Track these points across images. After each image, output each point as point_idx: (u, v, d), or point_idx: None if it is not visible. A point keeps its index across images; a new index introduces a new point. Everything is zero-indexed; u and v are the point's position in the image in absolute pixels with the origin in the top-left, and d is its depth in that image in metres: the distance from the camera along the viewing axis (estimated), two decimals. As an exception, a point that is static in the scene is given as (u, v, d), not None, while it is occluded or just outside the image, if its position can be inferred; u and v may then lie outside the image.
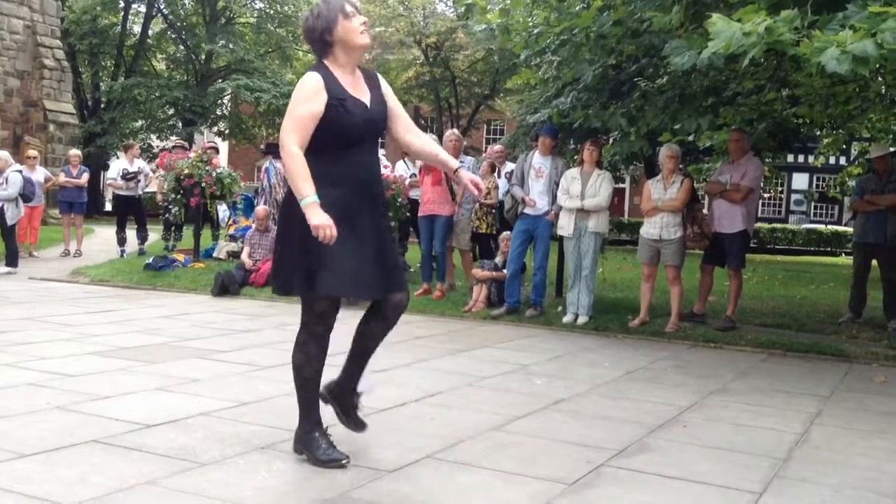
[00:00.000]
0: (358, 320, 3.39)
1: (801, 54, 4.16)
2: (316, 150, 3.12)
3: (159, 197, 12.62)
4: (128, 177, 12.31)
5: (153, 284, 9.55)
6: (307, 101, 3.12)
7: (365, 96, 3.24)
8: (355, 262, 3.12)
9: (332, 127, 3.13)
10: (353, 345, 3.41)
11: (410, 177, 9.89)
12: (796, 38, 4.12)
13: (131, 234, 12.91)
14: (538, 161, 7.87)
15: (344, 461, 3.21)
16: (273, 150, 11.93)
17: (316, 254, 3.07)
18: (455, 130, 10.23)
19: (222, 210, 12.53)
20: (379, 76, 3.41)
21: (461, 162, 9.00)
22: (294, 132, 3.10)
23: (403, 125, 3.39)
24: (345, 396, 3.45)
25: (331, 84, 3.15)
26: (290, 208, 3.18)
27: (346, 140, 3.17)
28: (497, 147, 10.75)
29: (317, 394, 3.33)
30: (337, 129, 3.13)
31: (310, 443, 3.26)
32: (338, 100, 3.13)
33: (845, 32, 4.01)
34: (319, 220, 3.00)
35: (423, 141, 3.46)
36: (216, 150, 12.02)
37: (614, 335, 7.26)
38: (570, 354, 6.25)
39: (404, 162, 10.51)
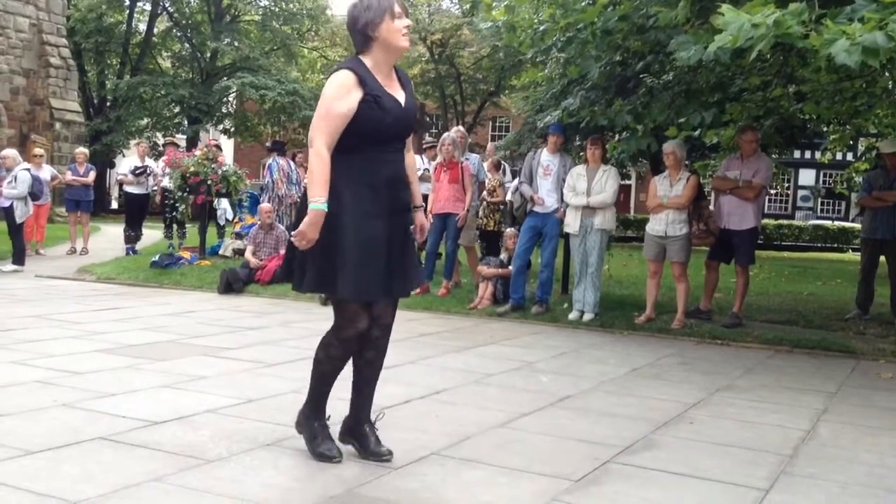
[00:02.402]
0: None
1: (811, 46, 4.14)
2: (347, 149, 3.05)
3: (158, 198, 12.65)
4: (137, 172, 12.33)
5: (159, 282, 9.57)
6: (340, 98, 3.01)
7: (400, 95, 3.16)
8: (383, 264, 3.08)
9: (368, 124, 3.03)
10: (354, 376, 3.33)
11: (423, 171, 9.79)
12: (805, 32, 4.10)
13: (145, 231, 13.00)
14: (546, 159, 7.86)
15: (336, 458, 3.19)
16: (278, 148, 11.94)
17: (344, 256, 3.02)
18: (460, 127, 10.22)
19: (220, 208, 12.54)
20: (405, 74, 3.31)
21: (466, 158, 9.01)
22: (324, 132, 3.00)
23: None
24: (360, 430, 3.34)
25: (367, 80, 3.04)
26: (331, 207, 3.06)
27: (380, 138, 3.09)
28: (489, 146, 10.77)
29: (329, 388, 3.29)
30: (373, 126, 3.04)
31: (308, 430, 3.28)
32: (373, 96, 3.03)
33: (855, 24, 3.98)
34: (309, 232, 2.96)
35: (407, 162, 3.36)
36: (219, 147, 12.03)
37: (620, 332, 7.25)
38: (576, 351, 6.24)
39: (420, 158, 10.44)
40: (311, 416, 3.30)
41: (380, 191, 3.10)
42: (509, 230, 8.58)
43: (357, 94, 3.03)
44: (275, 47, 33.55)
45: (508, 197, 9.30)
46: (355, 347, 3.22)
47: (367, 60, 3.11)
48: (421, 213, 3.43)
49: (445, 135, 8.91)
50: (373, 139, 3.08)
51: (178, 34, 33.28)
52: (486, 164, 10.00)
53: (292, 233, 3.04)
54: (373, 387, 3.36)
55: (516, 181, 9.14)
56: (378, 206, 3.09)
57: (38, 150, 13.13)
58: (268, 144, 13.38)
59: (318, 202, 2.97)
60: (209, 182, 10.45)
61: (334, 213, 3.03)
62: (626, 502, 2.97)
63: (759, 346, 6.75)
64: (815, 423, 4.27)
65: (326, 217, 3.01)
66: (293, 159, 12.38)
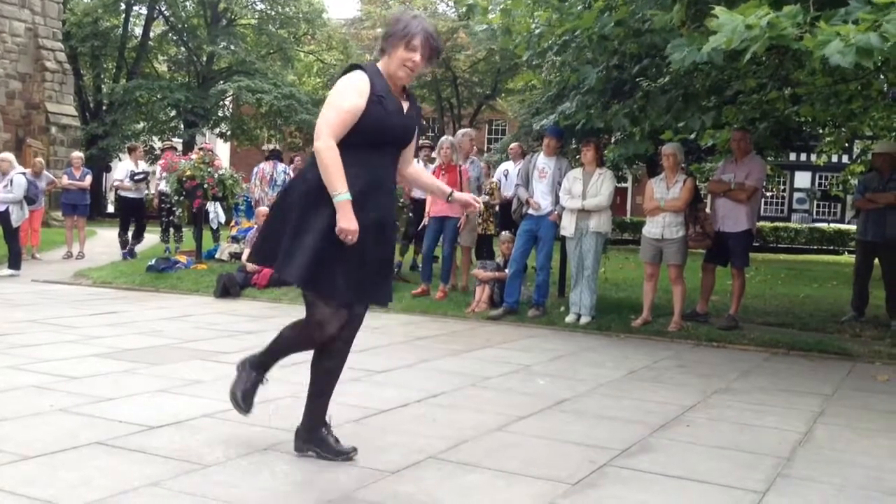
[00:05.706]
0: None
1: (805, 48, 4.15)
2: (344, 146, 3.07)
3: (155, 202, 12.63)
4: (136, 178, 12.31)
5: (156, 286, 9.56)
6: (352, 94, 3.09)
7: (404, 103, 3.27)
8: (356, 268, 3.11)
9: (369, 123, 3.09)
10: (311, 384, 3.34)
11: None
12: (799, 33, 4.11)
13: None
14: (542, 162, 7.88)
15: (352, 453, 3.28)
16: (274, 157, 11.90)
17: (329, 252, 3.05)
18: (469, 130, 10.25)
19: (212, 210, 12.51)
20: (414, 96, 3.41)
21: (471, 161, 9.04)
22: (333, 125, 3.06)
23: (407, 151, 3.38)
24: (318, 435, 3.33)
25: (375, 81, 3.14)
26: (319, 196, 3.07)
27: (378, 139, 3.15)
28: (513, 144, 10.83)
29: (333, 387, 3.33)
30: (373, 126, 3.10)
31: (319, 440, 3.30)
32: (378, 97, 3.11)
33: (849, 26, 4.00)
34: (349, 224, 3.01)
35: (416, 169, 3.53)
36: (212, 151, 12.02)
37: (617, 335, 7.25)
38: (573, 354, 6.24)
39: (419, 161, 10.45)
40: (317, 427, 3.30)
41: (364, 194, 3.11)
42: (504, 234, 8.59)
43: (367, 94, 3.10)
44: (271, 51, 33.53)
45: (509, 194, 9.32)
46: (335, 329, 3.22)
47: (381, 67, 3.22)
48: (458, 193, 3.57)
49: (444, 138, 8.96)
50: (371, 140, 3.13)
51: (175, 38, 33.23)
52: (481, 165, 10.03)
53: (338, 231, 3.03)
54: (330, 394, 3.35)
55: (503, 165, 9.17)
56: (358, 209, 3.07)
57: (38, 160, 13.14)
58: (265, 151, 13.36)
59: (341, 193, 3.02)
60: (205, 186, 10.44)
61: (313, 203, 3.07)
62: (623, 505, 2.98)
63: (756, 349, 6.76)
64: (812, 426, 4.28)
65: (306, 199, 3.10)
66: (290, 163, 12.36)
